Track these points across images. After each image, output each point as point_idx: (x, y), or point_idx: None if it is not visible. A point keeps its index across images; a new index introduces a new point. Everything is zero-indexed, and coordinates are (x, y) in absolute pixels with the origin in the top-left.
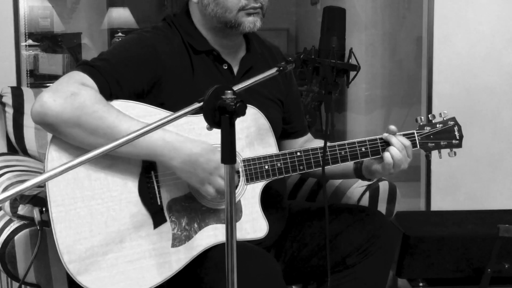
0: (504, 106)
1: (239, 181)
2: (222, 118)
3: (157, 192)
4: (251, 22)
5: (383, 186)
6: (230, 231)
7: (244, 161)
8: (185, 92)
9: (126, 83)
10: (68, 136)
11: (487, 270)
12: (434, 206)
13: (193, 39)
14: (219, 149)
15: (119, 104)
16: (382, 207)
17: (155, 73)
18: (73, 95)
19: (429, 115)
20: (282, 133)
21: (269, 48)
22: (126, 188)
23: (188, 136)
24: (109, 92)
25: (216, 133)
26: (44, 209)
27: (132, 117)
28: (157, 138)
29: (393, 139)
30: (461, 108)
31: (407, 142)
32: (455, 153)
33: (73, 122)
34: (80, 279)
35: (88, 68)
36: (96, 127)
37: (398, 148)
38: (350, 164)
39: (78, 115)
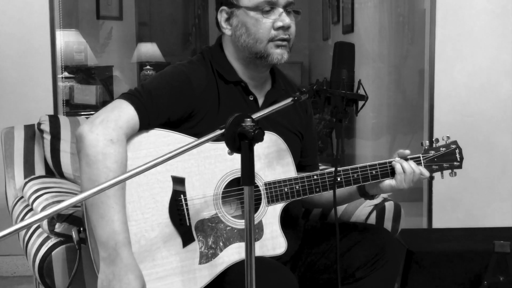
0: (499, 132)
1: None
2: (242, 143)
3: (186, 214)
4: (279, 54)
5: (389, 205)
6: (249, 247)
7: (265, 184)
8: (214, 121)
9: (164, 114)
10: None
11: (484, 282)
12: (436, 224)
13: (224, 69)
14: None
15: (154, 133)
16: (388, 225)
17: (190, 104)
18: (111, 140)
19: (433, 139)
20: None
21: (292, 86)
22: (158, 210)
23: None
24: (148, 122)
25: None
26: (81, 229)
27: (123, 206)
28: (112, 245)
29: (404, 163)
30: (460, 134)
31: (415, 166)
32: (455, 174)
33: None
34: None
35: (136, 100)
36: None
37: (407, 167)
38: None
39: (100, 159)
